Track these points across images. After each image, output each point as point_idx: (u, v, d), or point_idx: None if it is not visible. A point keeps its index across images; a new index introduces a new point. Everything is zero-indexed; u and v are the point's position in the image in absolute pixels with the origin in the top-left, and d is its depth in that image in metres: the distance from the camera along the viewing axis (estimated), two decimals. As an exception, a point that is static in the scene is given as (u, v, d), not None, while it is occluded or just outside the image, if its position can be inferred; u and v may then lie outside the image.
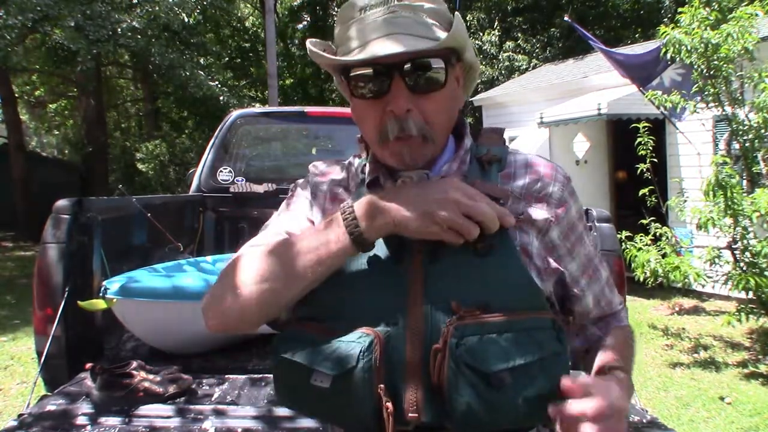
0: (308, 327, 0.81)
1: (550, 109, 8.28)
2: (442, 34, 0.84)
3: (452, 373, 0.72)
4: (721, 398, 4.02)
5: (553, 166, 0.94)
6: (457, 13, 0.86)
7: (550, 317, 0.80)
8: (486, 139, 0.96)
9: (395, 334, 0.76)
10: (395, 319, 0.77)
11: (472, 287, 0.77)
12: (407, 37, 0.81)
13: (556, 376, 0.75)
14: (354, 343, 0.75)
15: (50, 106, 19.59)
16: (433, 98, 0.84)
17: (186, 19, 12.29)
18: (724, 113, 5.09)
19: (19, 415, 1.74)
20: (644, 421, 1.74)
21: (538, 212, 0.88)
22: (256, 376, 2.08)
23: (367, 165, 0.95)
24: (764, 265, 4.43)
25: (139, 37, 10.36)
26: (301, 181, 1.03)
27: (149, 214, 2.89)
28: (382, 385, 0.74)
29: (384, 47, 0.80)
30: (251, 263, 0.84)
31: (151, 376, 1.92)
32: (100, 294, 2.19)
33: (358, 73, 0.84)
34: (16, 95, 15.11)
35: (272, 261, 0.82)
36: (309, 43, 0.87)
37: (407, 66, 0.82)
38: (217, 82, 12.22)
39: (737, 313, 4.60)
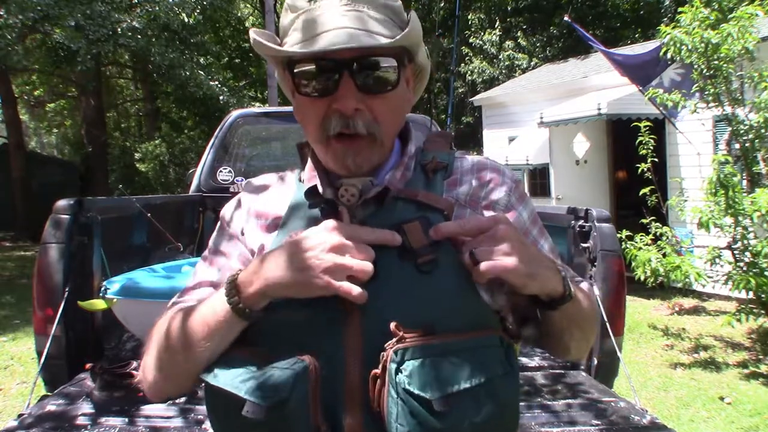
0: (241, 351, 0.75)
1: (550, 109, 8.28)
2: (396, 33, 0.80)
3: (392, 401, 0.68)
4: (721, 398, 4.02)
5: (501, 169, 0.90)
6: (413, 12, 0.82)
7: (498, 335, 0.76)
8: (431, 144, 0.90)
9: (333, 359, 0.71)
10: (333, 342, 0.72)
11: (413, 307, 0.72)
12: (359, 33, 0.76)
13: (504, 399, 0.72)
14: (288, 369, 0.70)
15: (50, 105, 19.60)
16: (383, 98, 0.80)
17: (186, 19, 12.30)
18: (724, 113, 5.09)
19: (19, 415, 1.74)
20: (644, 421, 1.74)
21: None
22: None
23: (306, 173, 0.88)
24: (764, 265, 4.44)
25: (139, 37, 10.37)
26: (227, 206, 0.94)
27: (149, 214, 2.90)
28: (319, 416, 0.70)
29: (332, 40, 0.75)
30: (159, 338, 0.82)
31: (151, 376, 1.91)
32: (100, 294, 2.19)
33: (304, 69, 0.79)
34: (16, 95, 15.12)
35: (175, 334, 0.79)
36: (253, 33, 0.80)
37: (357, 64, 0.77)
38: (217, 82, 12.23)
39: (737, 314, 4.60)
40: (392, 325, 0.70)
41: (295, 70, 0.80)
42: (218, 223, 0.94)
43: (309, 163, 0.88)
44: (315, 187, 0.84)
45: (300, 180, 0.89)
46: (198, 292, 0.88)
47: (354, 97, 0.77)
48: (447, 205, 0.81)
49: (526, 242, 0.76)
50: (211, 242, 0.94)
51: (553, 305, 0.79)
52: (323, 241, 0.71)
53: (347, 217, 0.79)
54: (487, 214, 0.84)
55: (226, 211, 0.93)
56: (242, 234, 0.89)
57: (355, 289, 0.70)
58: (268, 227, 0.86)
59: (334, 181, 0.84)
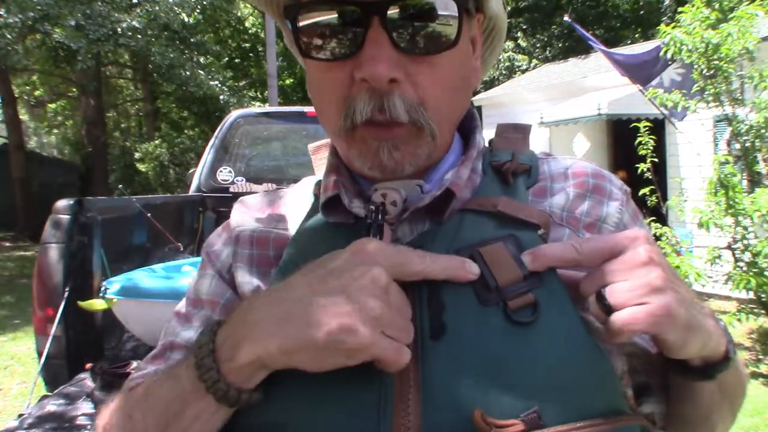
0: None
1: (550, 109, 8.28)
2: None
3: None
4: (721, 398, 4.02)
5: (606, 176, 0.63)
6: None
7: (639, 423, 0.50)
8: (504, 141, 0.64)
9: None
10: None
11: (506, 381, 0.45)
12: None
13: None
14: None
15: (50, 106, 19.61)
16: (434, 63, 0.52)
17: (186, 19, 12.31)
18: (724, 113, 5.09)
19: (20, 415, 1.74)
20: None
21: None
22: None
23: (323, 178, 0.62)
24: (764, 265, 4.44)
25: (139, 36, 10.39)
26: (212, 235, 0.67)
27: (149, 214, 2.90)
28: None
29: None
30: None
31: (151, 376, 1.91)
32: (100, 294, 2.19)
33: (310, 17, 0.52)
34: (16, 95, 15.13)
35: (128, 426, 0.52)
36: None
37: (395, 7, 0.50)
38: (217, 82, 12.25)
39: (737, 313, 4.60)
40: (477, 413, 0.43)
41: (300, 23, 0.53)
42: (201, 261, 0.66)
43: (329, 165, 0.62)
44: (337, 197, 0.58)
45: (314, 194, 0.64)
46: (168, 365, 0.60)
47: (388, 60, 0.50)
48: (542, 218, 0.54)
49: (677, 273, 0.50)
50: (189, 288, 0.65)
51: (710, 373, 0.51)
52: (362, 274, 0.44)
53: (389, 237, 0.53)
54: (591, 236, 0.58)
55: (211, 241, 0.66)
56: (228, 272, 0.62)
57: (404, 354, 0.44)
58: (270, 261, 0.60)
59: (365, 188, 0.59)
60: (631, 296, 0.45)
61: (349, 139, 0.55)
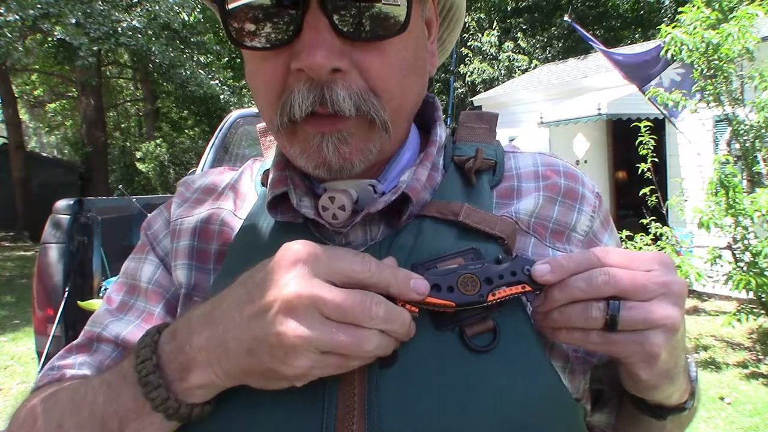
0: None
1: (550, 109, 8.29)
2: None
3: None
4: (721, 398, 4.01)
5: (578, 175, 0.58)
6: None
7: None
8: (468, 132, 0.59)
9: None
10: None
11: (460, 413, 0.42)
12: None
13: None
14: None
15: (50, 105, 19.62)
16: (385, 49, 0.47)
17: (186, 18, 12.33)
18: (724, 113, 5.10)
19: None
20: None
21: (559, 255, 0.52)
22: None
23: (271, 171, 0.55)
24: (764, 265, 4.44)
25: (140, 36, 10.40)
26: (153, 215, 0.62)
27: (149, 214, 2.91)
28: None
29: None
30: None
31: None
32: (100, 294, 2.20)
33: (241, 3, 0.46)
34: (16, 95, 15.13)
35: None
36: None
37: None
38: (217, 81, 12.26)
39: (737, 314, 4.60)
40: None
41: (228, 5, 0.47)
42: (139, 240, 0.61)
43: (276, 158, 0.56)
44: (286, 194, 0.52)
45: (262, 183, 0.58)
46: (93, 358, 0.55)
47: (328, 48, 0.44)
48: (507, 228, 0.50)
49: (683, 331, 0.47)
50: (125, 270, 0.60)
51: (662, 415, 0.51)
52: (286, 290, 0.40)
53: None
54: (560, 245, 0.54)
55: (151, 222, 0.62)
56: (167, 258, 0.57)
57: (353, 361, 0.42)
58: (210, 256, 0.55)
59: (315, 186, 0.54)
60: (643, 325, 0.43)
61: (290, 135, 0.49)
